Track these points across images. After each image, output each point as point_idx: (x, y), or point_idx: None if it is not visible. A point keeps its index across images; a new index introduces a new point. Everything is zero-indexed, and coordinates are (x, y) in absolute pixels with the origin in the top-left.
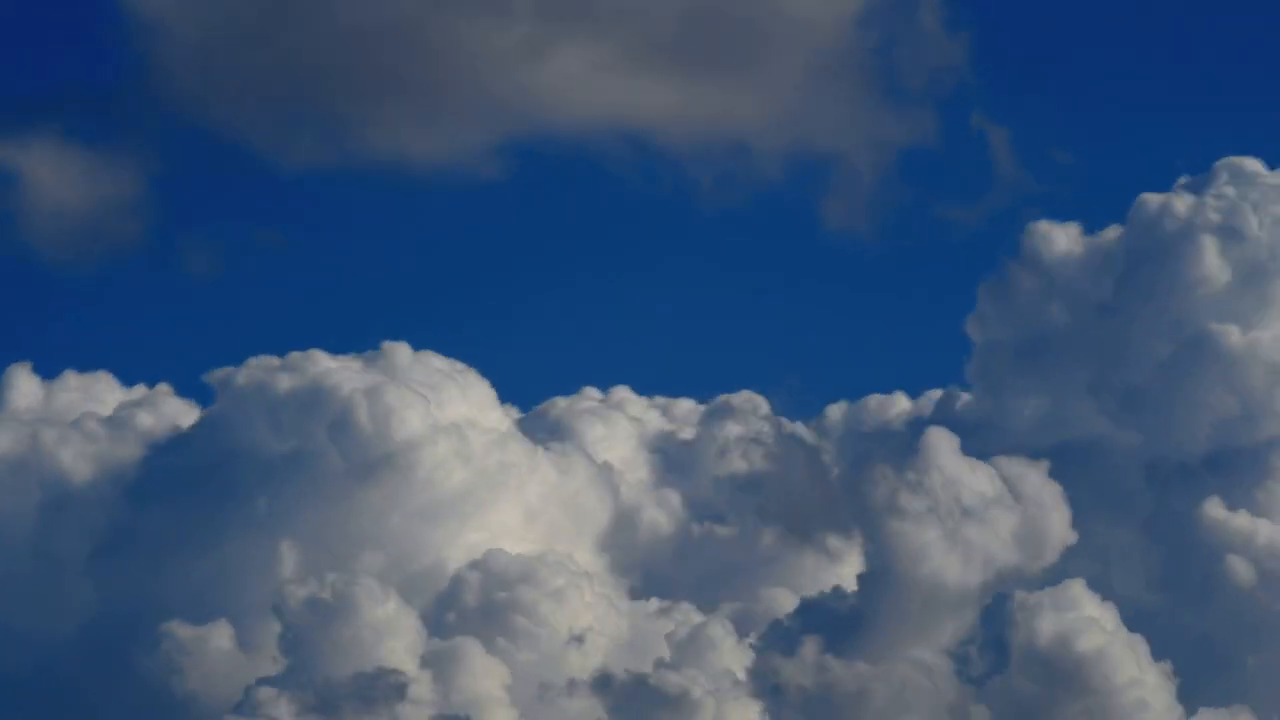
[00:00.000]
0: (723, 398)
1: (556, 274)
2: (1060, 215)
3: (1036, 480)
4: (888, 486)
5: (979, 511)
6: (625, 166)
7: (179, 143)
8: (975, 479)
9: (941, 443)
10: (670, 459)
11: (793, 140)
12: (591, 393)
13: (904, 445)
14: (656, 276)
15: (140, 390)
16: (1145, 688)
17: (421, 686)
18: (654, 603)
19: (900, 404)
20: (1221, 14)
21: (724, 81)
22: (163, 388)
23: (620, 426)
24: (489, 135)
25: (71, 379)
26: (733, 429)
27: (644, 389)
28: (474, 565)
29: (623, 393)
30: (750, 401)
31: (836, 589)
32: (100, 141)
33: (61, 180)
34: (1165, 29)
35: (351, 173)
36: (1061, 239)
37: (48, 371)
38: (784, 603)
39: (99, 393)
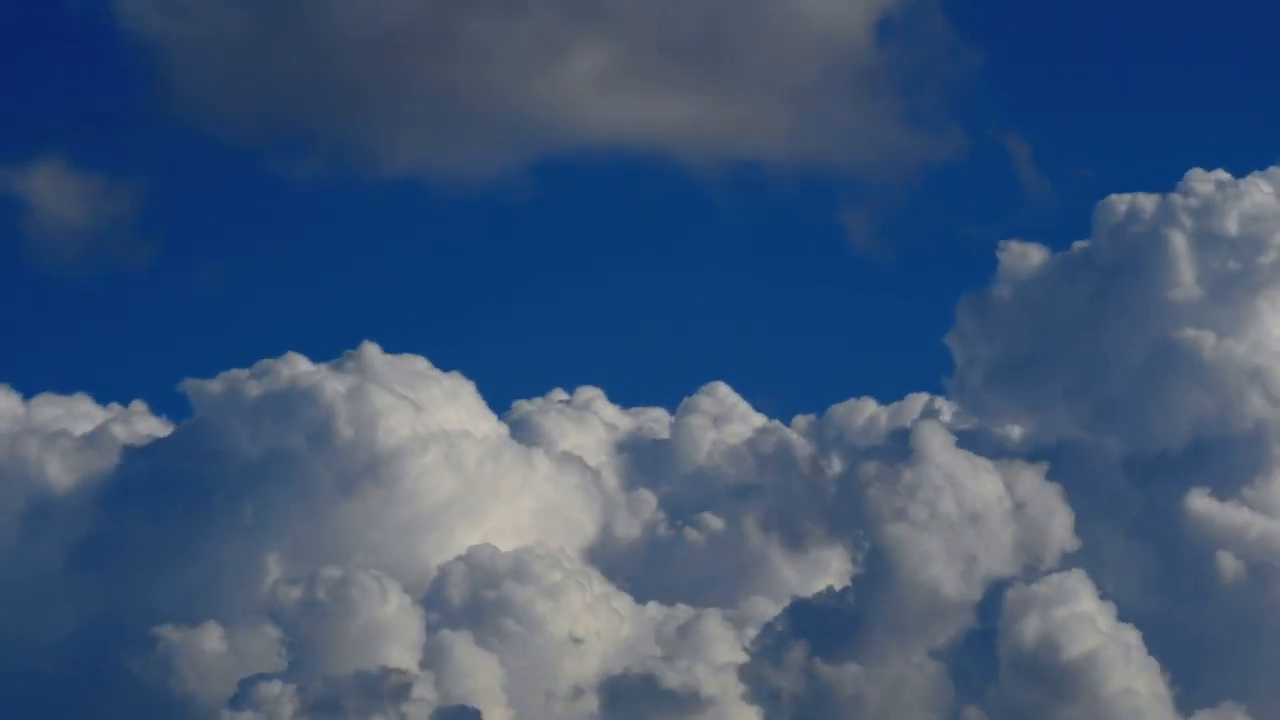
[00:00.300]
0: (703, 397)
1: (546, 283)
2: (1076, 228)
3: (1033, 482)
4: (881, 487)
5: (974, 513)
6: (634, 177)
7: (184, 161)
8: (971, 480)
9: (935, 441)
10: (656, 461)
11: (806, 153)
12: (575, 395)
13: (894, 449)
14: (654, 284)
15: (116, 408)
16: (1140, 696)
17: (422, 685)
18: (650, 605)
19: (879, 411)
20: (1237, 19)
21: (737, 93)
22: (137, 405)
23: (610, 429)
24: (496, 146)
25: (50, 399)
26: (720, 430)
27: (635, 397)
28: (468, 562)
29: (598, 395)
30: (732, 402)
31: (830, 591)
32: (105, 163)
33: (66, 202)
34: (1179, 36)
35: (355, 184)
36: (1035, 255)
37: (39, 389)
38: (773, 605)
39: (81, 411)
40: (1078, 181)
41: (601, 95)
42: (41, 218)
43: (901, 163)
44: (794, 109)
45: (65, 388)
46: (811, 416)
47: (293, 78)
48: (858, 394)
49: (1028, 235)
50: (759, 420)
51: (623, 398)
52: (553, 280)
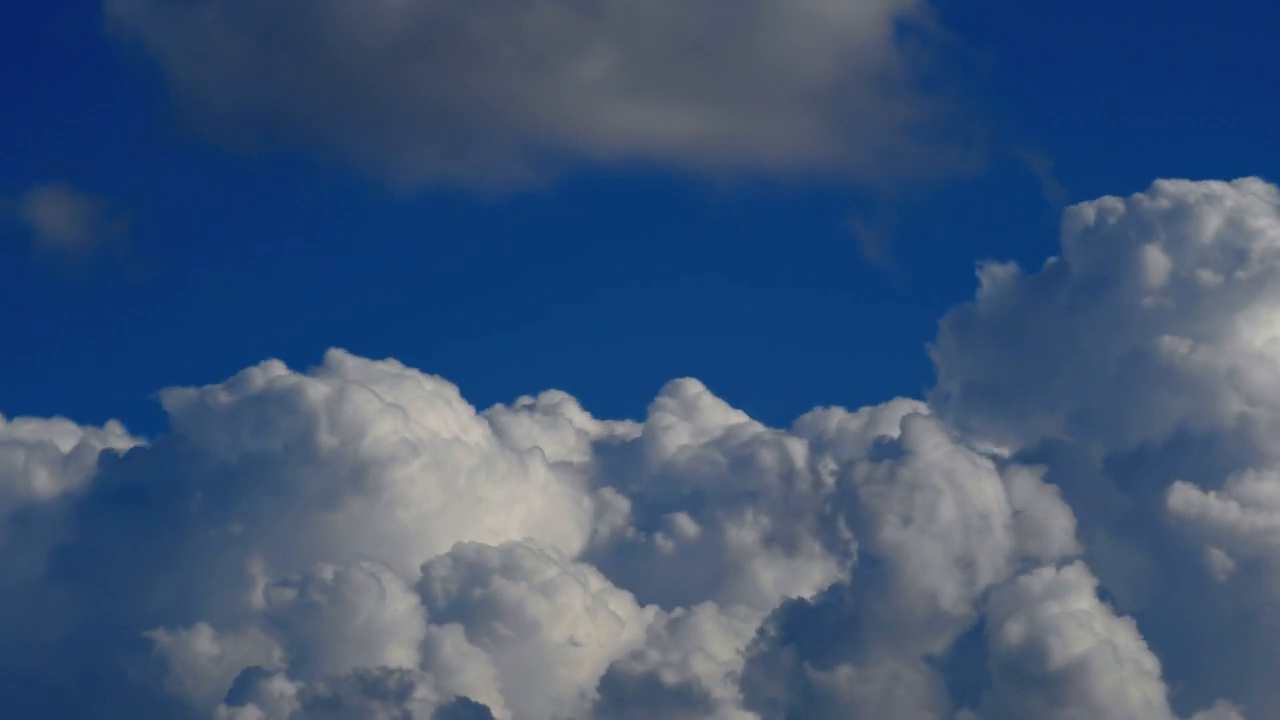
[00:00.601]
0: (684, 400)
1: (539, 290)
2: None
3: (1026, 484)
4: (875, 489)
5: (968, 513)
6: (640, 184)
7: (188, 181)
8: (966, 481)
9: (928, 442)
10: (640, 465)
11: (818, 161)
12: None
13: (888, 450)
14: (647, 291)
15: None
16: (1135, 700)
17: (421, 681)
18: (646, 607)
19: (875, 418)
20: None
21: (747, 99)
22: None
23: (583, 434)
24: (504, 155)
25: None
26: (705, 434)
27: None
28: (466, 560)
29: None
30: (710, 404)
31: (825, 592)
32: (111, 186)
33: (68, 227)
34: (1197, 43)
35: (358, 198)
36: (1011, 273)
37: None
38: (766, 607)
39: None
40: (1097, 191)
41: (608, 102)
42: (44, 242)
43: (916, 172)
44: (805, 116)
45: (46, 410)
46: (804, 419)
47: (293, 92)
48: (855, 404)
49: (1043, 246)
50: (749, 425)
51: (601, 407)
52: (546, 288)
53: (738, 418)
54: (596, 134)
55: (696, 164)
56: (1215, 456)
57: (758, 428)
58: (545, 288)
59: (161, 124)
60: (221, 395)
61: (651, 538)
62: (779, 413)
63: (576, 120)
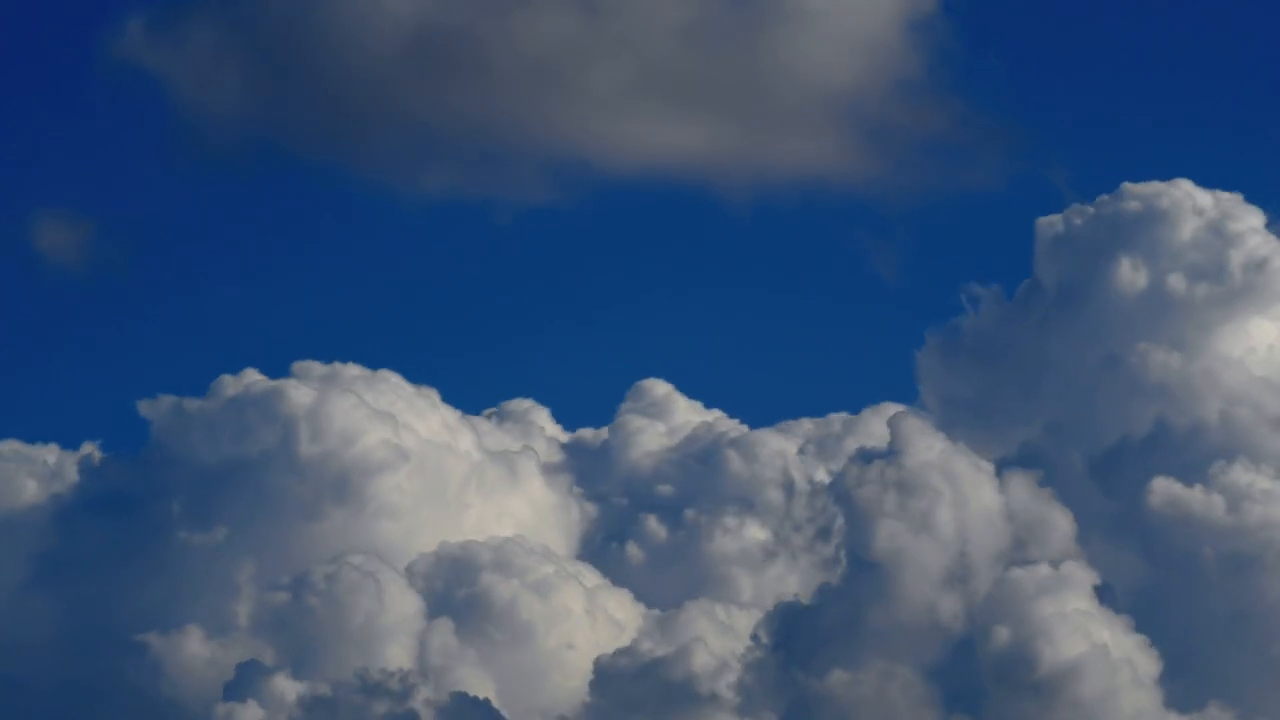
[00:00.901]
0: (670, 403)
1: (534, 298)
2: None
3: (1026, 487)
4: (869, 490)
5: (961, 514)
6: (651, 200)
7: (187, 194)
8: (958, 481)
9: (921, 443)
10: (633, 467)
11: (829, 171)
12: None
13: (880, 452)
14: (647, 300)
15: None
16: (1128, 703)
17: (419, 678)
18: (639, 607)
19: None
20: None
21: (756, 110)
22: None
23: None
24: (506, 170)
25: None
26: (695, 437)
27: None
28: (460, 559)
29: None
30: (686, 406)
31: (818, 594)
32: (112, 210)
33: (67, 249)
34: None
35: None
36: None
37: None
38: (761, 609)
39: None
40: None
41: (615, 112)
42: (47, 266)
43: (930, 183)
44: (817, 125)
45: (29, 433)
46: (788, 423)
47: (295, 109)
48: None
49: None
50: (734, 425)
51: (571, 416)
52: (548, 295)
53: (711, 416)
54: (603, 140)
55: (705, 174)
56: (1194, 452)
57: (745, 430)
58: (547, 295)
59: (164, 145)
60: (203, 404)
61: (639, 539)
62: (771, 415)
63: (585, 131)
